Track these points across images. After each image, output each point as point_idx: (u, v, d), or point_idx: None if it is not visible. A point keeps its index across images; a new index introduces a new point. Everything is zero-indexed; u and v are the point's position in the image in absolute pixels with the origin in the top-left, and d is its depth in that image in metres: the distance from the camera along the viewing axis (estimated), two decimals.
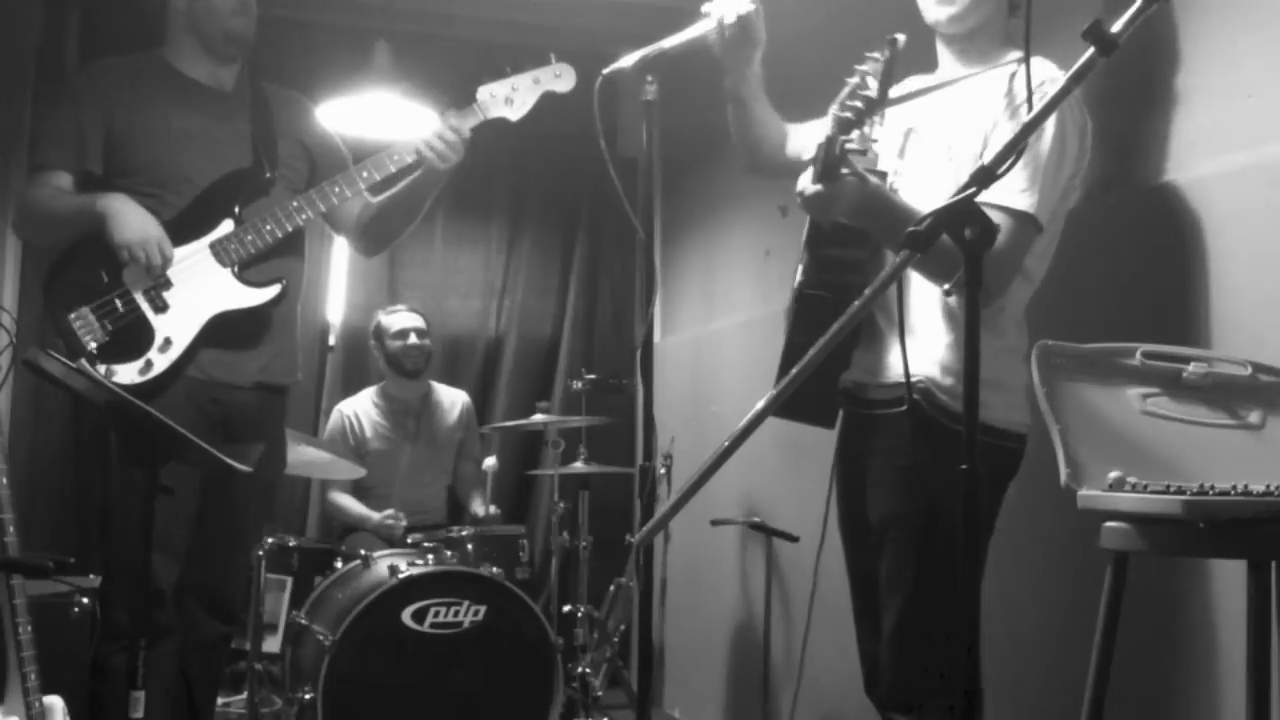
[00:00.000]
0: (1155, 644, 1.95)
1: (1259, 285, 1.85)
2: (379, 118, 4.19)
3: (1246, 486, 1.48)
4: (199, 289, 2.59)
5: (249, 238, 2.62)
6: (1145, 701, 1.96)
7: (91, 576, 2.72)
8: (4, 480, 2.20)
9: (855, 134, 1.73)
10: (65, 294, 2.55)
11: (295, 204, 2.66)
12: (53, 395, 4.17)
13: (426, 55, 4.63)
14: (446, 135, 2.64)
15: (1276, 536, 1.42)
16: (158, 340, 2.55)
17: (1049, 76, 1.88)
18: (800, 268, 2.10)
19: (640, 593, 1.99)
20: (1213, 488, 1.48)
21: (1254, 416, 1.71)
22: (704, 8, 2.11)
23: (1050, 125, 1.85)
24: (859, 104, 1.70)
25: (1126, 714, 1.80)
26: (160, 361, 2.54)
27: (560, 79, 2.76)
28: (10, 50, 4.05)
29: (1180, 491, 1.48)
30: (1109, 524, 1.58)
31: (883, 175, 1.91)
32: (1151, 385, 1.72)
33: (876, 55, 1.68)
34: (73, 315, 2.52)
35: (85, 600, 2.67)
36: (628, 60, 2.08)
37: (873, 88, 1.68)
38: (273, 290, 2.65)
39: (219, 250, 2.61)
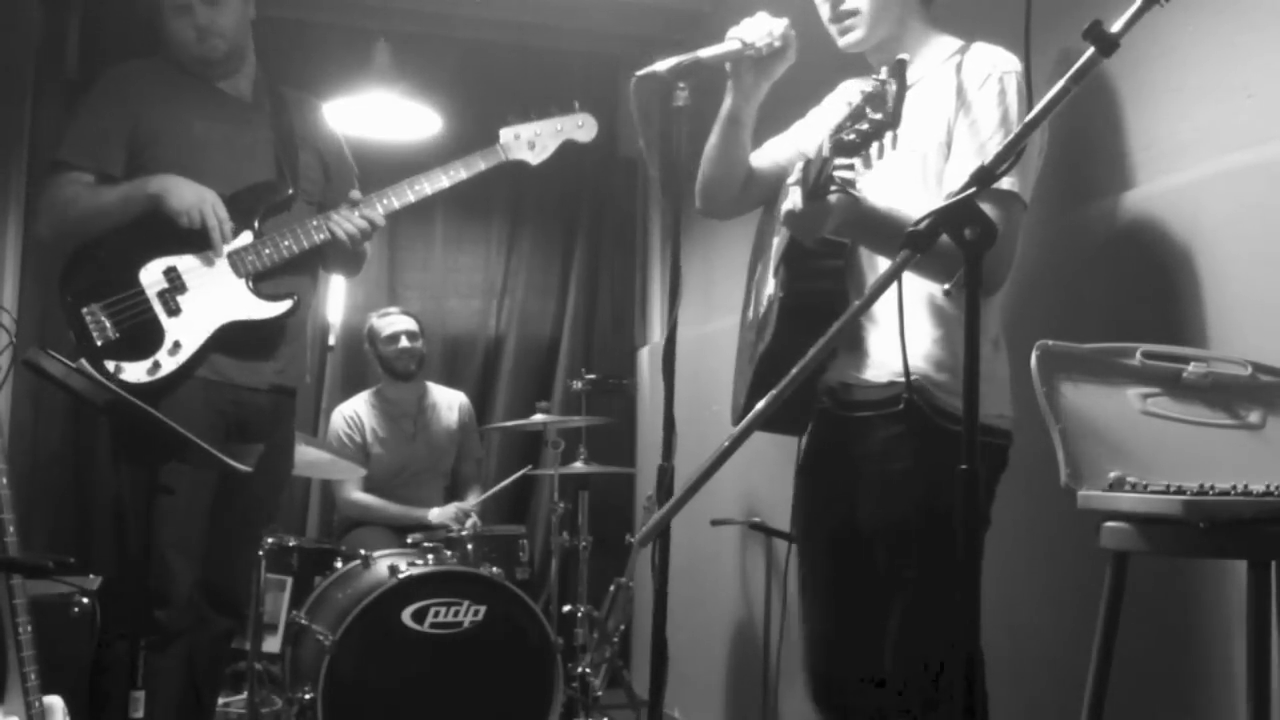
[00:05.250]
0: (1155, 644, 1.95)
1: (1258, 285, 1.85)
2: (379, 118, 4.20)
3: (1246, 486, 1.48)
4: (212, 296, 2.62)
5: (266, 251, 2.66)
6: (1145, 701, 1.96)
7: (91, 576, 2.72)
8: (4, 480, 2.20)
9: (857, 159, 1.65)
10: (80, 289, 2.58)
11: (315, 223, 2.69)
12: (53, 395, 4.16)
13: (426, 55, 4.64)
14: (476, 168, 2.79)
15: (1276, 536, 1.42)
16: (167, 342, 2.58)
17: (1007, 66, 1.89)
18: (775, 281, 2.07)
19: (655, 591, 1.96)
20: (1213, 488, 1.48)
21: (1254, 416, 1.71)
22: (730, 31, 2.04)
23: (1014, 105, 1.85)
24: (866, 127, 1.61)
25: (1126, 714, 1.79)
26: (168, 363, 2.57)
27: (582, 129, 2.87)
28: (10, 50, 4.05)
29: (1180, 491, 1.48)
30: (1109, 524, 1.58)
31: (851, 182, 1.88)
32: (1151, 385, 1.71)
33: (882, 77, 1.59)
34: (85, 311, 2.56)
35: (85, 600, 2.66)
36: (662, 65, 2.00)
37: (886, 110, 1.58)
38: (283, 305, 2.69)
39: (236, 261, 2.64)
